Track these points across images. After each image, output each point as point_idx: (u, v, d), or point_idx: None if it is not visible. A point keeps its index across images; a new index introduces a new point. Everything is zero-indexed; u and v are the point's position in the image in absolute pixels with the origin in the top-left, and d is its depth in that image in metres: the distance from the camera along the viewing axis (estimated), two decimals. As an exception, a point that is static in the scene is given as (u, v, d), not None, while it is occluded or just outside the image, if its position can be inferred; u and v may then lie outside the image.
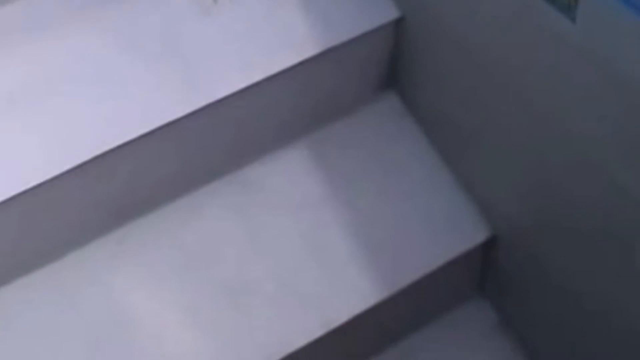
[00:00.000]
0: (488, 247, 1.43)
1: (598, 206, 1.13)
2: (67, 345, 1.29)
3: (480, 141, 1.38)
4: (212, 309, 1.34)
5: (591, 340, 1.30)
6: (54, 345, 1.29)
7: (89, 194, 1.33)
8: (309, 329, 1.32)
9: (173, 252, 1.37)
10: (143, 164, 1.36)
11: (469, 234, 1.42)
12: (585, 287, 1.26)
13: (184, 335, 1.32)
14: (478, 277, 1.52)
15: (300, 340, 1.31)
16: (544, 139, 1.19)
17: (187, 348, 1.31)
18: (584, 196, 1.16)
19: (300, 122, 1.49)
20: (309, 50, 1.38)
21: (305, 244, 1.40)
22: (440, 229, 1.41)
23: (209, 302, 1.35)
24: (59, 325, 1.31)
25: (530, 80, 1.17)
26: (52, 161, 1.26)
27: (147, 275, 1.36)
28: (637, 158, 1.02)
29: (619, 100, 1.00)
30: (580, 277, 1.26)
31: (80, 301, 1.33)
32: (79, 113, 1.30)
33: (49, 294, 1.33)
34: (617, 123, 1.02)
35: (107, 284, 1.34)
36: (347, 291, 1.35)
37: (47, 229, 1.34)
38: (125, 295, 1.34)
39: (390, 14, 1.43)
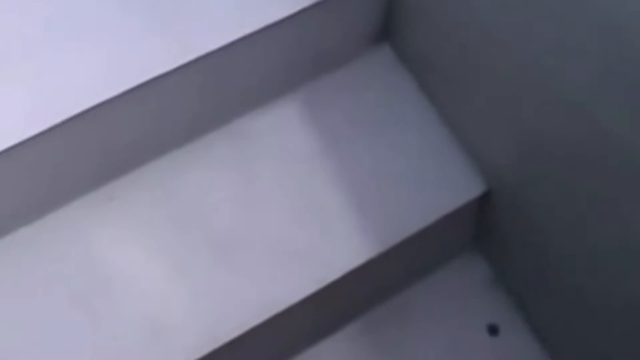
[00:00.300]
0: (482, 202, 1.42)
1: (587, 154, 1.13)
2: (53, 298, 1.29)
3: (474, 93, 1.36)
4: (202, 264, 1.33)
5: (585, 292, 1.30)
6: (40, 297, 1.29)
7: (78, 149, 1.31)
8: (301, 286, 1.31)
9: (165, 206, 1.36)
10: (134, 118, 1.33)
11: (463, 189, 1.40)
12: (577, 241, 1.26)
13: (172, 290, 1.31)
14: (472, 231, 1.51)
15: (293, 297, 1.30)
16: (535, 88, 1.17)
17: (175, 304, 1.31)
18: (573, 143, 1.15)
19: (294, 74, 1.47)
20: (302, 2, 1.35)
21: (298, 199, 1.39)
22: (434, 184, 1.39)
23: (198, 258, 1.34)
24: (48, 278, 1.30)
25: (525, 34, 1.15)
26: (41, 115, 1.23)
27: (138, 230, 1.34)
28: (621, 101, 1.01)
29: (603, 45, 0.99)
30: (572, 230, 1.26)
31: (69, 255, 1.32)
32: (67, 66, 1.27)
33: (38, 248, 1.32)
34: (602, 67, 1.02)
35: (98, 239, 1.33)
36: (341, 247, 1.34)
37: (37, 185, 1.32)
38: (115, 250, 1.33)
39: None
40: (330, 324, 1.46)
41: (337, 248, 1.34)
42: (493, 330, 1.48)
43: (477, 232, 1.50)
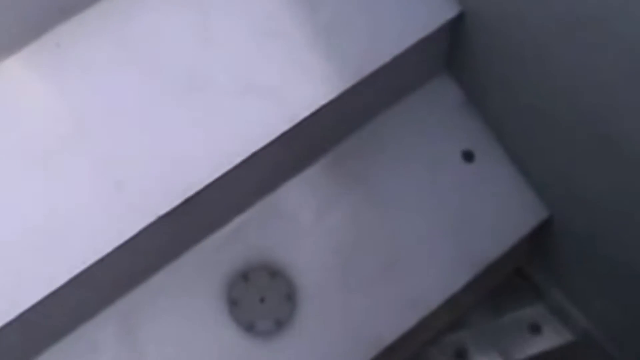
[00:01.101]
0: (456, 24, 1.33)
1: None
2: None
3: None
4: (164, 109, 1.23)
5: (556, 113, 1.26)
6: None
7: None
8: (272, 125, 1.23)
9: (117, 50, 1.24)
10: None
11: (437, 11, 1.30)
12: (551, 62, 1.20)
13: (133, 140, 1.22)
14: (445, 56, 1.42)
15: (262, 139, 1.22)
16: None
17: (138, 149, 1.22)
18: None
19: None
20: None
21: (260, 29, 1.28)
22: (407, 7, 1.29)
23: (159, 99, 1.24)
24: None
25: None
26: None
27: (90, 77, 1.23)
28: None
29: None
30: (546, 50, 1.19)
31: (16, 112, 1.22)
32: None
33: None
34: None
35: (47, 91, 1.22)
36: (311, 80, 1.25)
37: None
38: (66, 100, 1.23)
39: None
40: (298, 160, 1.39)
41: (307, 81, 1.25)
42: (468, 156, 1.43)
43: (449, 56, 1.42)
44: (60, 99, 1.22)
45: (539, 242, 1.49)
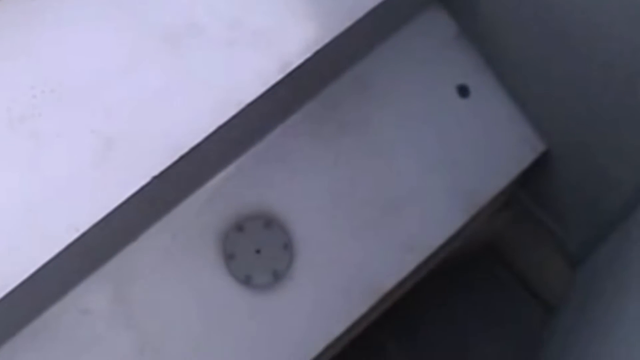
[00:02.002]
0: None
1: None
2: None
3: None
4: (153, 60, 1.15)
5: (549, 41, 1.22)
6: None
7: None
8: (264, 74, 1.16)
9: (99, 1, 1.15)
10: None
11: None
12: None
13: (121, 92, 1.14)
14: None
15: (256, 88, 1.15)
16: None
17: (127, 105, 1.14)
18: None
19: None
20: None
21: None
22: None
23: (146, 52, 1.15)
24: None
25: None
26: None
27: (74, 27, 1.14)
28: None
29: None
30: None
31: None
32: None
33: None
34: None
35: (26, 43, 1.13)
36: (304, 26, 1.18)
37: None
38: (48, 54, 1.14)
39: None
40: (289, 105, 1.32)
41: (299, 26, 1.18)
42: (463, 91, 1.37)
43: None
44: (41, 52, 1.13)
45: (530, 175, 1.46)
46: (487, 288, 1.82)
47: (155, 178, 1.12)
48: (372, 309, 1.33)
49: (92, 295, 1.25)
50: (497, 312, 1.82)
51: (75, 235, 1.09)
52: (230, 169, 1.31)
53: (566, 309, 1.49)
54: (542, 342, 1.52)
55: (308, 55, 1.17)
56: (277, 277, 1.29)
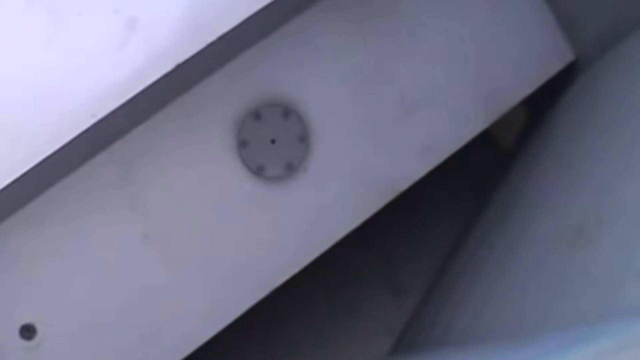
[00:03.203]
0: None
1: None
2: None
3: None
4: None
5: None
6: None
7: None
8: None
9: None
10: None
11: None
12: None
13: None
14: None
15: None
16: None
17: None
18: None
19: None
20: None
21: None
22: None
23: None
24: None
25: None
26: None
27: None
28: None
29: None
30: None
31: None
32: None
33: None
34: None
35: None
36: None
37: None
38: None
39: None
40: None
41: None
42: (499, -11, 1.30)
43: None
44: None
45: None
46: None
47: (179, 65, 1.05)
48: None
49: (98, 175, 1.19)
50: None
51: (92, 121, 1.03)
52: (253, 51, 1.23)
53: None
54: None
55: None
56: (291, 169, 1.25)
